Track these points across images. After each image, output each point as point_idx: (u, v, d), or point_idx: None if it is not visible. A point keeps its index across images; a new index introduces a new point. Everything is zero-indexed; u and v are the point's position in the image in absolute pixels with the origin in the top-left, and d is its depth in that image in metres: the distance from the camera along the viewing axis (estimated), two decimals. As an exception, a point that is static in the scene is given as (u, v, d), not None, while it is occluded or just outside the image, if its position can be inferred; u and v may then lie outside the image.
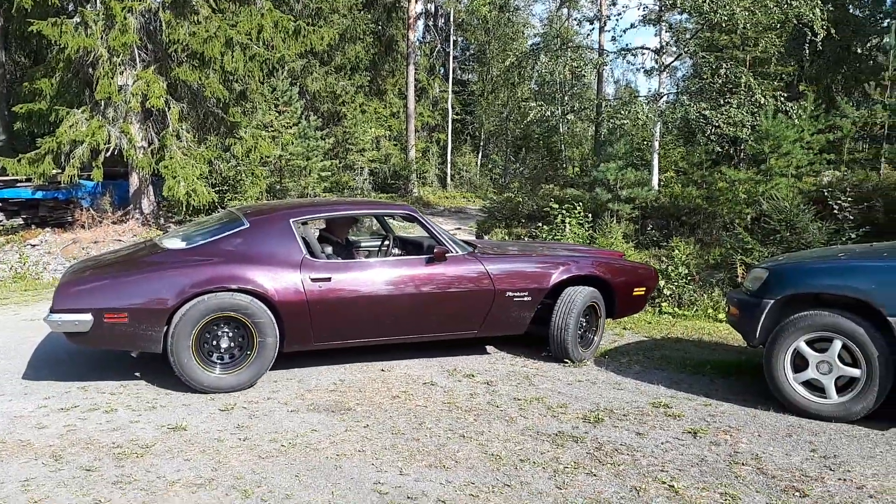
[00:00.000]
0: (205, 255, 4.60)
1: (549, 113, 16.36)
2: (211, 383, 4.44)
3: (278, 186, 16.26)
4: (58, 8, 12.41)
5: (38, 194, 13.61)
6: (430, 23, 31.49)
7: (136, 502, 3.04)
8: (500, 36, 28.75)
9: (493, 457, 3.56)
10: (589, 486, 3.23)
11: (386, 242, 6.07)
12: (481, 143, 30.13)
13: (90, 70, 12.50)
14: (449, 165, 26.94)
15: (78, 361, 5.21)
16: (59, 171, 12.29)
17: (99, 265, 4.87)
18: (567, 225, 9.33)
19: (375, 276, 4.90)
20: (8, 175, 12.57)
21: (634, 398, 4.59)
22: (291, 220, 4.86)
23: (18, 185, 13.57)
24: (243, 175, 13.71)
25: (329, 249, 5.32)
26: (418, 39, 27.08)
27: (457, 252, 5.10)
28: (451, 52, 28.62)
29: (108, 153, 12.35)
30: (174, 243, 4.94)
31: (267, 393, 4.56)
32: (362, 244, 6.22)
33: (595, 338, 5.51)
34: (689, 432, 3.95)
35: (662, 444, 3.78)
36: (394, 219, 6.93)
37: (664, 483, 3.27)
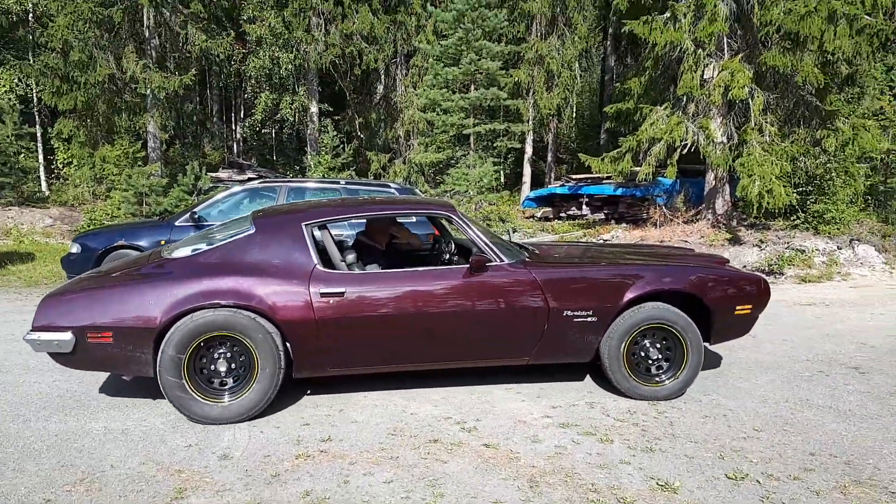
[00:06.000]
0: (203, 265, 3.99)
1: None
2: (206, 414, 3.86)
3: (882, 188, 13.43)
4: (649, 6, 12.73)
5: (619, 191, 14.43)
6: None
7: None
8: None
9: None
10: None
11: (437, 247, 5.33)
12: None
13: (677, 65, 12.46)
14: None
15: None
16: (636, 168, 12.68)
17: (96, 276, 4.29)
18: None
19: (398, 290, 4.03)
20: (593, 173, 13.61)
21: None
22: (304, 224, 4.17)
23: (603, 182, 14.67)
24: (833, 173, 11.65)
25: (351, 257, 4.38)
26: None
27: (501, 260, 4.19)
28: None
29: (685, 150, 12.12)
30: (183, 251, 4.30)
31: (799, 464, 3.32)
32: (414, 251, 5.47)
33: (681, 370, 4.27)
34: None
35: None
36: (434, 222, 5.53)
37: None
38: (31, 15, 19.84)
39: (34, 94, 19.64)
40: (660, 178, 13.73)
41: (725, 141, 12.24)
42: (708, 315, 4.35)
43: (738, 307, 4.40)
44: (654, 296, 4.26)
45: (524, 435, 3.73)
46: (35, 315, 3.85)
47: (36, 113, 20.26)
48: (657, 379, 4.30)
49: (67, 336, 3.75)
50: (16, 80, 19.55)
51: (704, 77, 11.95)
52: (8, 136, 15.19)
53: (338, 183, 7.86)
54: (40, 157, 19.76)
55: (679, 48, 11.89)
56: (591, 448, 3.56)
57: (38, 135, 19.89)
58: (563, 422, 3.92)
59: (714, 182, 13.05)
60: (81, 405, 4.20)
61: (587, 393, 4.43)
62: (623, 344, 4.20)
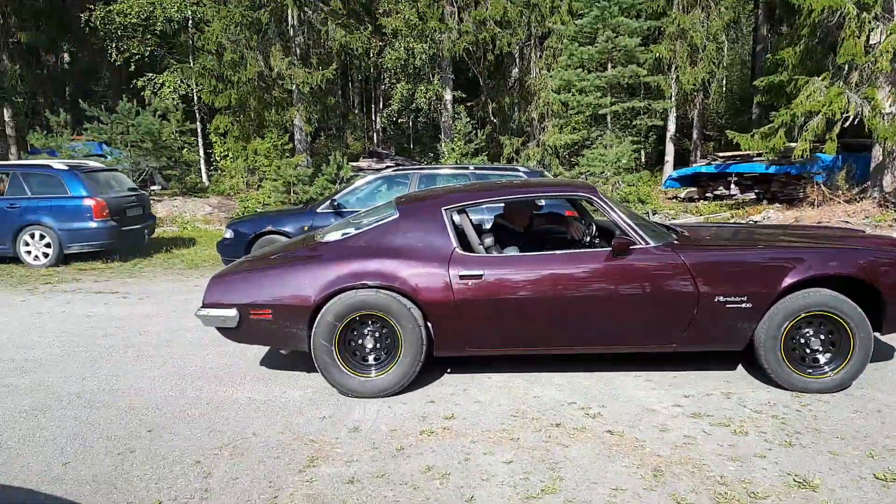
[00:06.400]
0: (352, 249, 4.24)
1: None
2: (354, 388, 4.09)
3: None
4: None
5: (771, 169, 13.41)
6: None
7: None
8: None
9: None
10: None
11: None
12: None
13: (837, 31, 11.38)
14: None
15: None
16: (792, 144, 11.75)
17: (256, 259, 4.63)
18: None
19: (536, 273, 4.03)
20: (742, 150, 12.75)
21: None
22: (444, 209, 4.29)
23: (754, 159, 13.69)
24: None
25: (489, 240, 4.44)
26: None
27: (646, 243, 4.05)
28: None
29: (846, 123, 11.06)
30: (334, 235, 4.53)
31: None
32: (552, 232, 5.35)
33: (845, 363, 3.86)
34: None
35: None
36: (573, 203, 5.62)
37: None
38: (189, 21, 21.63)
39: (194, 94, 21.45)
40: (818, 154, 12.63)
41: (895, 112, 11.03)
42: (880, 303, 3.94)
43: None
44: (818, 281, 3.92)
45: (651, 423, 3.60)
46: (204, 293, 4.27)
47: (196, 111, 22.15)
48: (815, 371, 3.94)
49: (233, 312, 4.14)
50: (178, 82, 21.43)
51: (870, 42, 10.82)
52: (173, 134, 16.71)
53: (467, 168, 7.94)
54: (201, 151, 21.59)
55: (839, 13, 10.84)
56: (722, 439, 3.37)
57: (199, 131, 21.73)
58: (694, 411, 3.74)
59: (881, 157, 11.81)
60: (230, 376, 4.57)
61: (724, 383, 4.19)
62: (781, 331, 3.90)
